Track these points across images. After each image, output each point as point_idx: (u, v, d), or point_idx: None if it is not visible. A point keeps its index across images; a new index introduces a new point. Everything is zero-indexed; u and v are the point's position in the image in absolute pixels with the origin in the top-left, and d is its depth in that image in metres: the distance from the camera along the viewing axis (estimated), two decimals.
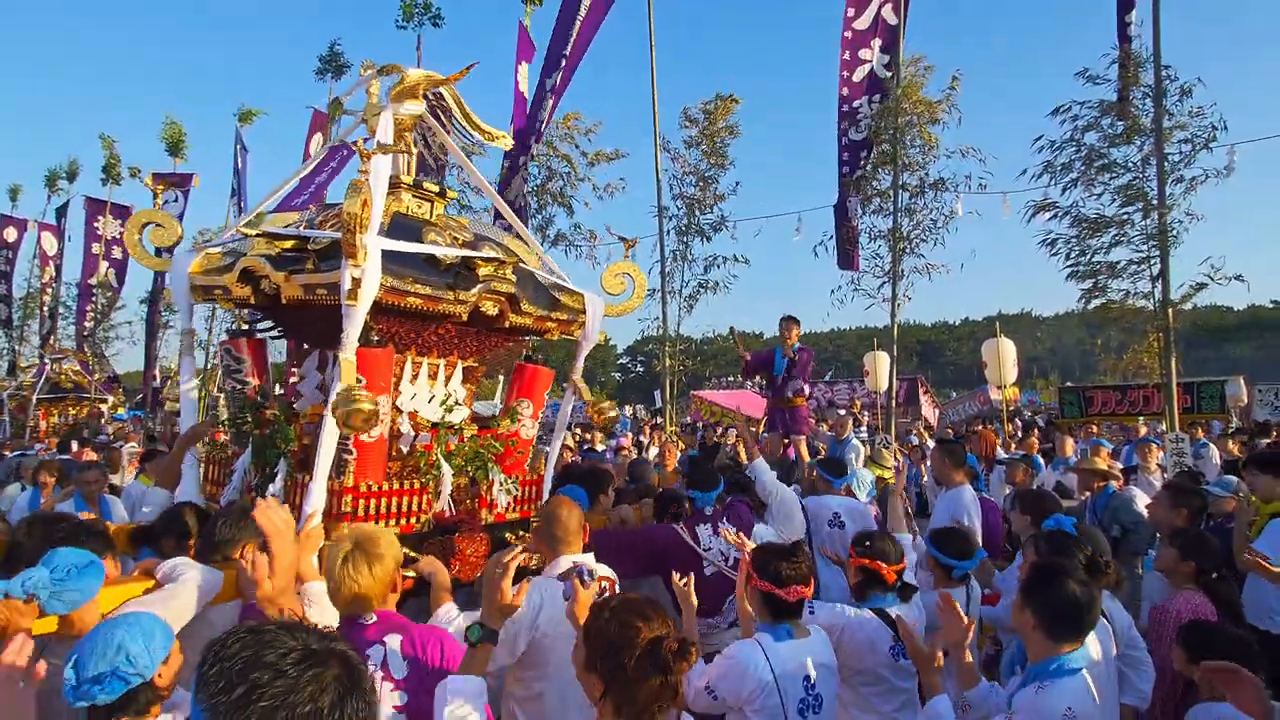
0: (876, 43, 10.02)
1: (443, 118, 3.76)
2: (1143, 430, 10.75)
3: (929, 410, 20.29)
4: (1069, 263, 9.27)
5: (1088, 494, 6.07)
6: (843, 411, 14.44)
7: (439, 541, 3.20)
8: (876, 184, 10.32)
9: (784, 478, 5.40)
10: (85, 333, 19.68)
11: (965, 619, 2.59)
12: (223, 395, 4.03)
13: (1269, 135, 9.68)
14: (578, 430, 17.85)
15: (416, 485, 3.20)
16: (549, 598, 2.70)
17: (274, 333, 3.89)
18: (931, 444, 9.07)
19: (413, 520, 3.16)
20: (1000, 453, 8.94)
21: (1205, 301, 9.12)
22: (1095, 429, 12.29)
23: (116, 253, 19.06)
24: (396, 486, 3.14)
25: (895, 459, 6.53)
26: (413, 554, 2.86)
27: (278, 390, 4.00)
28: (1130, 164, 8.86)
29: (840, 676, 2.89)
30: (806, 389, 8.07)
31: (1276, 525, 4.11)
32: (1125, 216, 8.84)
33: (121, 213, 19.03)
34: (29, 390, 16.06)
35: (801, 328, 8.08)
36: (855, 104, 10.30)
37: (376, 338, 3.03)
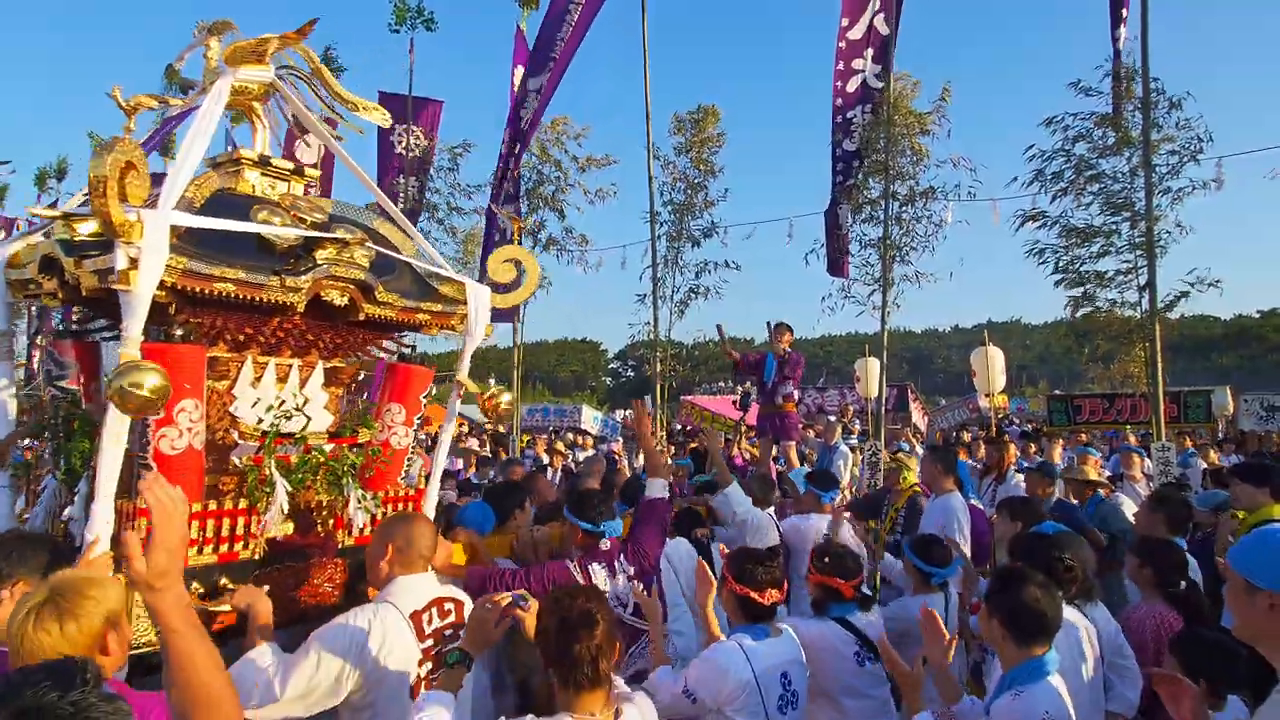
0: (869, 53, 10.07)
1: (314, 92, 3.30)
2: (1132, 439, 10.83)
3: (919, 417, 20.40)
4: (1057, 271, 9.35)
5: (1076, 502, 6.09)
6: (832, 418, 14.46)
7: (280, 570, 2.75)
8: (867, 193, 10.36)
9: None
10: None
11: (945, 633, 2.60)
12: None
13: (1256, 149, 9.76)
14: (570, 434, 17.85)
15: (243, 505, 2.71)
16: (381, 624, 2.40)
17: (107, 333, 3.27)
18: (921, 451, 9.08)
19: (238, 546, 2.69)
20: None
21: (1192, 311, 9.21)
22: (1084, 437, 12.35)
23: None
24: (215, 507, 2.65)
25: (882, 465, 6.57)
26: (228, 584, 2.55)
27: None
28: (1119, 174, 8.95)
29: (817, 690, 2.93)
30: (796, 394, 8.08)
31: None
32: (1112, 227, 8.93)
33: None
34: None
35: (793, 334, 8.10)
36: (849, 114, 10.35)
37: (180, 331, 2.61)
